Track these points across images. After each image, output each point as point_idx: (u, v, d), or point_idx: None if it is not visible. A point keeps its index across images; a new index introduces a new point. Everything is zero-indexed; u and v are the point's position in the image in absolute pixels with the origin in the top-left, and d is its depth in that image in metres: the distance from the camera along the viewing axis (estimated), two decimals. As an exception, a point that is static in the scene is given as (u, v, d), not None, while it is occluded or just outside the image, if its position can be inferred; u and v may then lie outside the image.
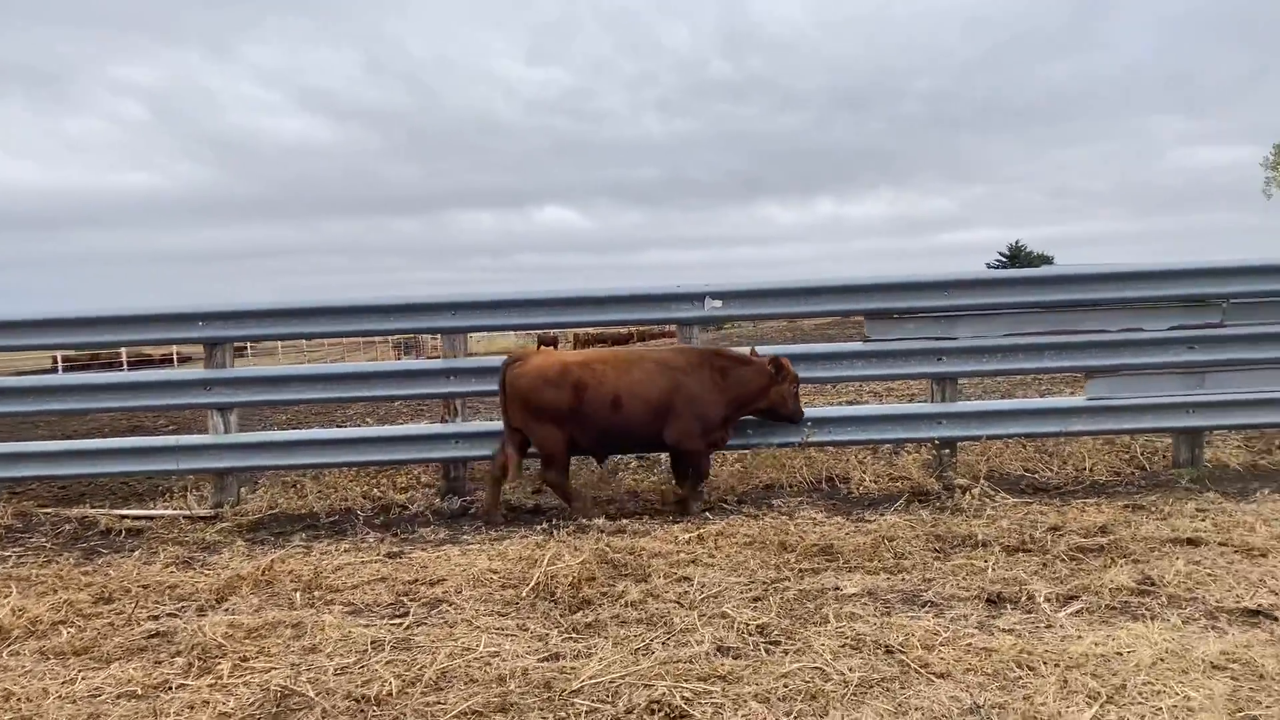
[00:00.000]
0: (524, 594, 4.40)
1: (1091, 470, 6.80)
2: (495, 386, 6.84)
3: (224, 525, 6.30)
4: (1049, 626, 3.76)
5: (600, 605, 4.20)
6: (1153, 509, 5.57)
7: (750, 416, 6.42)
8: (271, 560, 5.11)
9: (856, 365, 6.83)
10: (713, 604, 4.15)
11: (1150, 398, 6.67)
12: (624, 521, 5.83)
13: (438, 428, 6.87)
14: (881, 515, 5.66)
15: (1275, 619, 3.72)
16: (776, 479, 6.83)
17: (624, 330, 38.53)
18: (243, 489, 7.05)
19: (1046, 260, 54.96)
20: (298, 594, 4.59)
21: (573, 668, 3.49)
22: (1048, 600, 4.04)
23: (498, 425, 7.14)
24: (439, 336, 7.19)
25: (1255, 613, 3.80)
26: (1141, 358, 6.68)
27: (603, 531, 5.51)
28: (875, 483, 6.63)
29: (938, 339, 6.75)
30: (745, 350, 6.41)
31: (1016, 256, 58.52)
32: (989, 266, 61.75)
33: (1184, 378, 6.71)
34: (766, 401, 6.24)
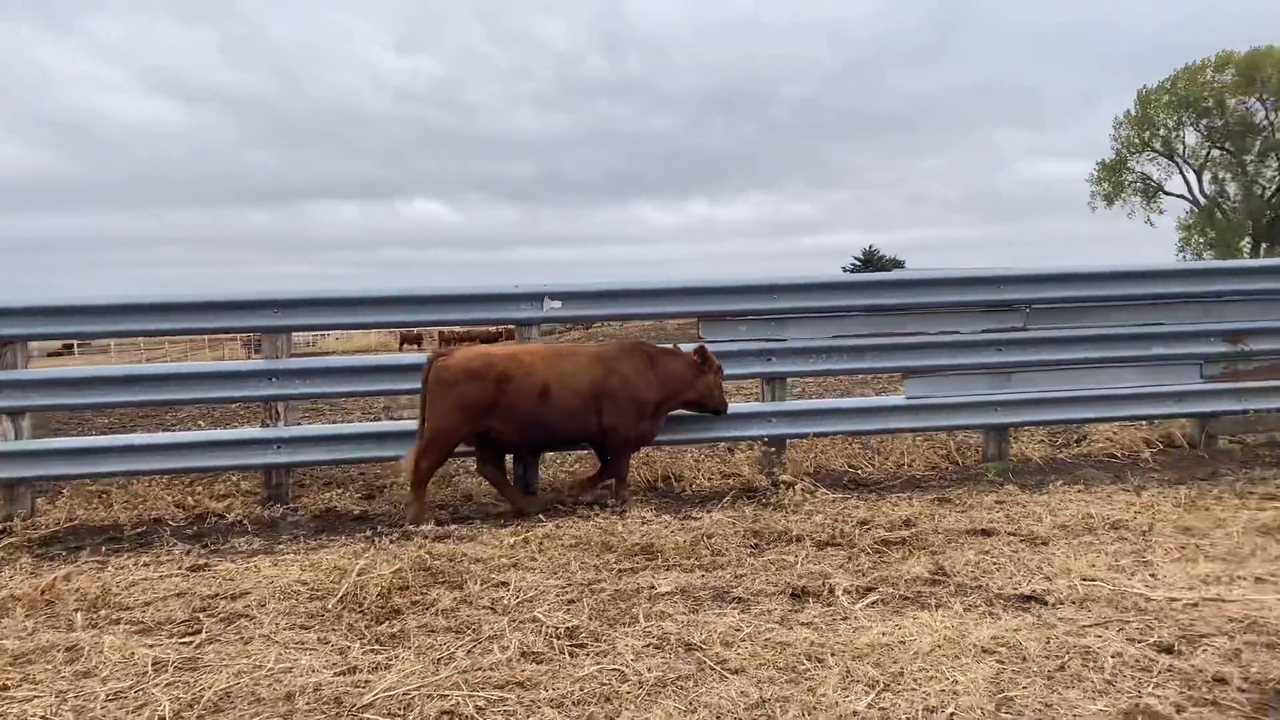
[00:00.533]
0: (330, 606, 4.23)
1: (910, 465, 7.17)
2: (321, 389, 6.58)
3: (11, 540, 5.77)
4: (845, 619, 3.92)
5: (409, 615, 4.08)
6: (957, 502, 5.92)
7: (680, 411, 6.51)
8: (55, 578, 4.70)
9: (692, 366, 6.93)
10: (526, 609, 4.11)
11: (962, 396, 7.10)
12: (452, 527, 5.71)
13: (258, 432, 6.53)
14: (708, 513, 5.78)
15: (1045, 603, 4.01)
16: (614, 479, 6.86)
17: (493, 329, 37.94)
18: (39, 500, 6.49)
19: (898, 264, 57.92)
20: (80, 614, 4.24)
21: (368, 681, 3.37)
22: (847, 593, 4.22)
23: (324, 429, 6.88)
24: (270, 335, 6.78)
25: (1029, 598, 4.08)
26: (954, 359, 7.10)
27: (426, 537, 5.37)
28: (709, 481, 6.77)
29: (768, 340, 6.96)
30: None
31: (871, 260, 61.32)
32: (845, 270, 64.57)
33: (992, 378, 7.18)
34: (694, 393, 6.33)
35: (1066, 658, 3.38)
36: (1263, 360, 7.33)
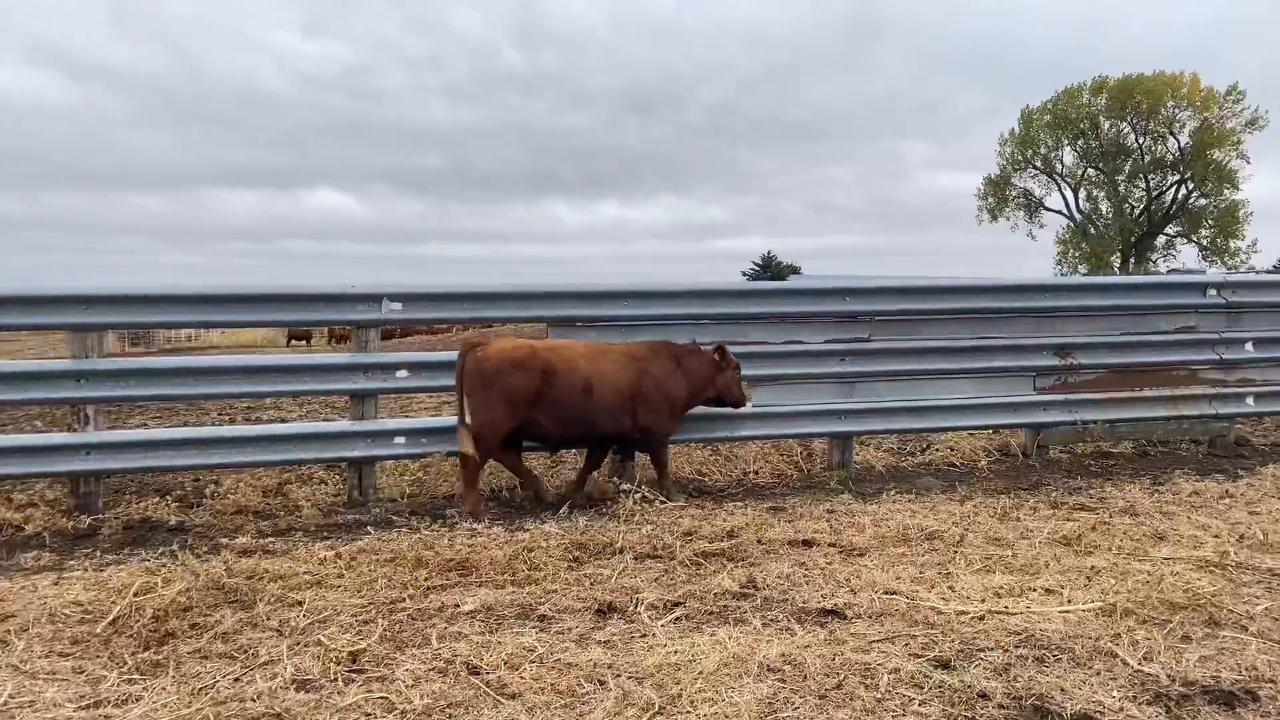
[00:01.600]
0: (100, 630, 3.92)
1: (757, 473, 7.23)
2: (136, 391, 6.18)
3: None
4: (643, 636, 3.85)
5: (184, 639, 3.81)
6: (790, 511, 5.97)
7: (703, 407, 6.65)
8: None
9: (539, 372, 6.80)
10: (314, 631, 3.89)
11: (808, 405, 7.19)
12: (271, 540, 5.43)
13: (64, 437, 6.06)
14: (541, 524, 5.65)
15: (844, 618, 4.04)
16: (453, 489, 6.67)
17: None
18: None
19: (795, 270, 59.15)
20: None
21: (109, 716, 3.11)
22: (654, 608, 4.16)
23: (140, 434, 6.48)
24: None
25: (830, 612, 4.10)
26: (801, 368, 7.18)
27: (234, 551, 5.07)
28: (556, 490, 6.65)
29: (618, 347, 6.88)
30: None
31: (768, 266, 62.58)
32: (744, 274, 65.68)
33: (837, 387, 7.30)
34: (714, 389, 6.50)
35: (845, 675, 3.39)
36: (1090, 373, 7.69)
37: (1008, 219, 62.65)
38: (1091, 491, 6.35)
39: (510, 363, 5.90)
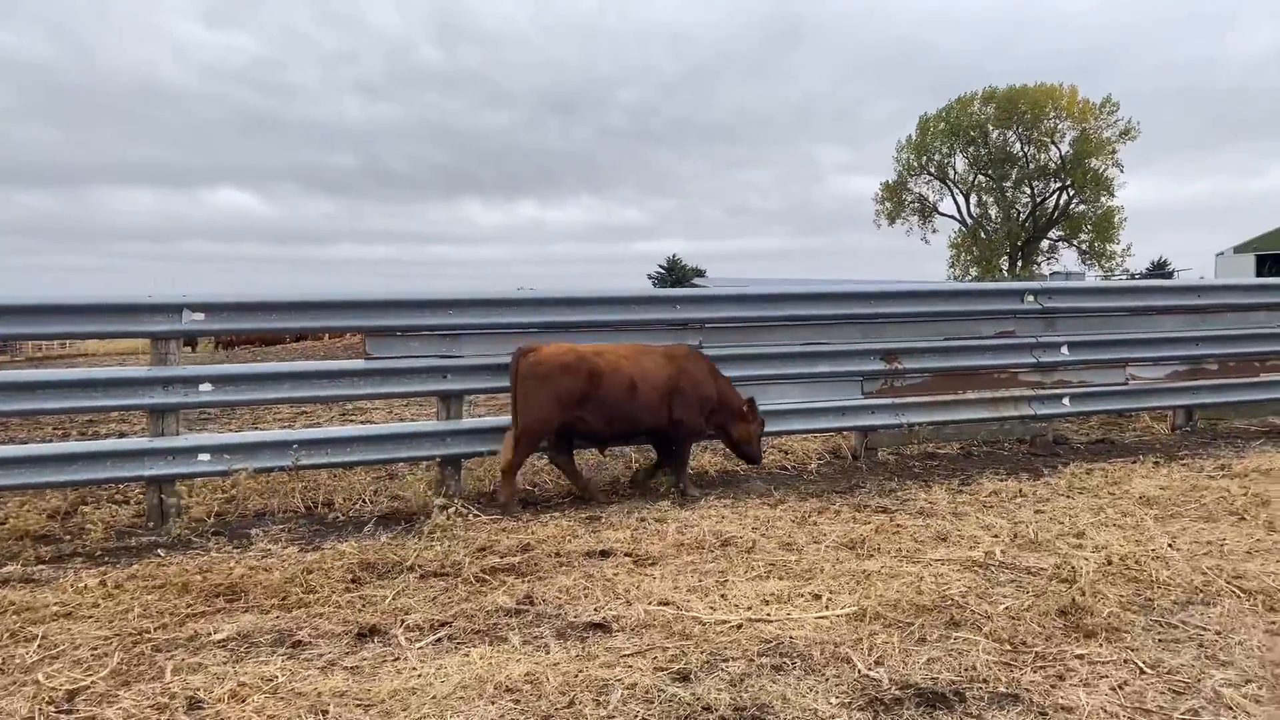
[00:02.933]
0: None
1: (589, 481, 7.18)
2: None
3: None
4: (395, 660, 3.74)
5: (-116, 683, 3.53)
6: (605, 520, 5.95)
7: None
8: None
9: (359, 384, 6.63)
10: (40, 667, 3.66)
11: (639, 413, 7.18)
12: (41, 568, 5.11)
13: None
14: (339, 543, 5.48)
15: (609, 631, 4.02)
16: (267, 506, 6.44)
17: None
18: None
19: (700, 273, 59.90)
20: None
21: None
22: (418, 629, 4.06)
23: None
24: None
25: (597, 626, 4.07)
26: (631, 376, 7.17)
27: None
28: (370, 506, 6.49)
29: (443, 357, 6.76)
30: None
31: (673, 269, 63.21)
32: (650, 277, 66.13)
33: (668, 394, 7.31)
34: (735, 431, 6.91)
35: (580, 693, 3.35)
36: (915, 377, 7.93)
37: (904, 223, 64.79)
38: (900, 493, 6.53)
39: (560, 366, 6.31)
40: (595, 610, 4.25)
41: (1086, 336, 8.44)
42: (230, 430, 8.25)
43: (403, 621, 4.13)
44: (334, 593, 4.55)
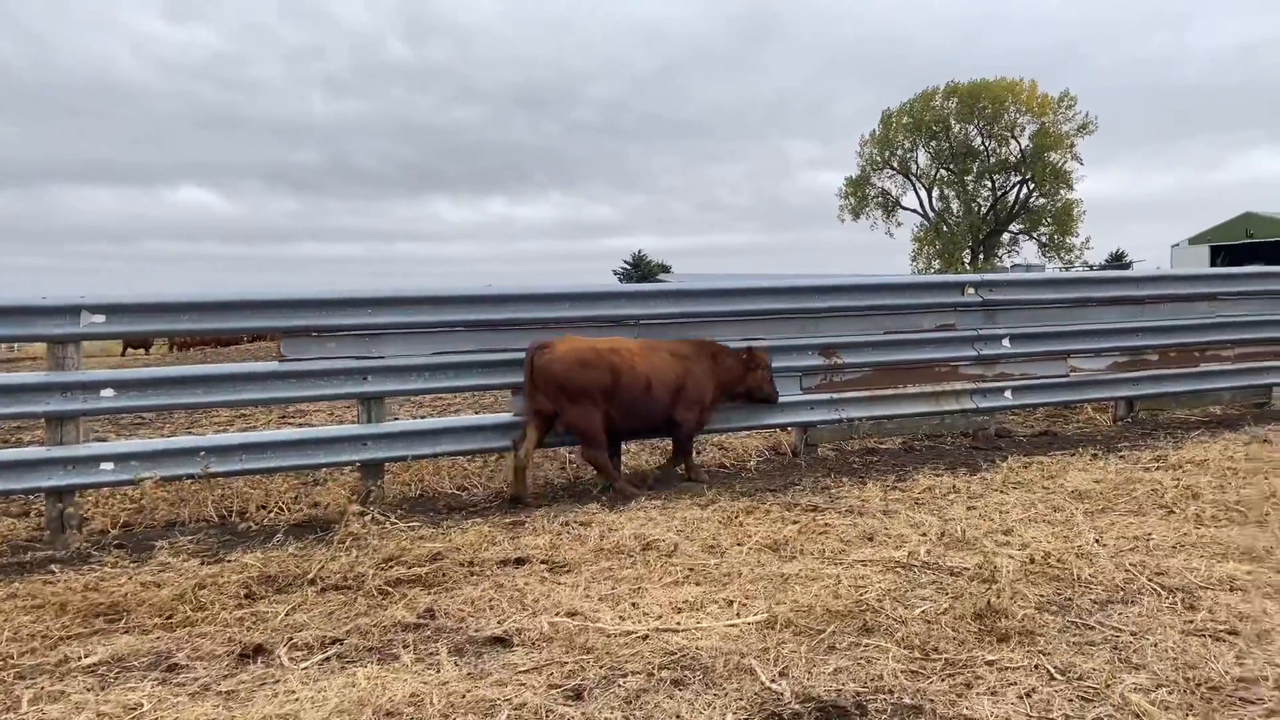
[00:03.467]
0: None
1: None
2: None
3: None
4: (275, 682, 3.51)
5: None
6: (529, 525, 5.74)
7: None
8: None
9: (273, 387, 6.35)
10: (-118, 701, 3.38)
11: (570, 413, 6.98)
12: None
13: None
14: (244, 555, 5.21)
15: (509, 645, 3.81)
16: (178, 516, 6.16)
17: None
18: None
19: (665, 269, 59.76)
20: None
21: None
22: (306, 648, 3.82)
23: None
24: None
25: (497, 640, 3.86)
26: (562, 375, 6.96)
27: None
28: (285, 514, 6.22)
29: (363, 358, 6.51)
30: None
31: (639, 265, 62.99)
32: (616, 273, 65.88)
33: (601, 393, 7.12)
34: (744, 387, 7.05)
35: (464, 715, 3.15)
36: (855, 371, 7.81)
37: (868, 218, 65.13)
38: (834, 490, 6.38)
39: (579, 362, 6.40)
40: (499, 623, 4.04)
41: (1028, 329, 8.37)
42: (138, 439, 7.91)
43: (291, 640, 3.89)
44: (224, 609, 4.29)
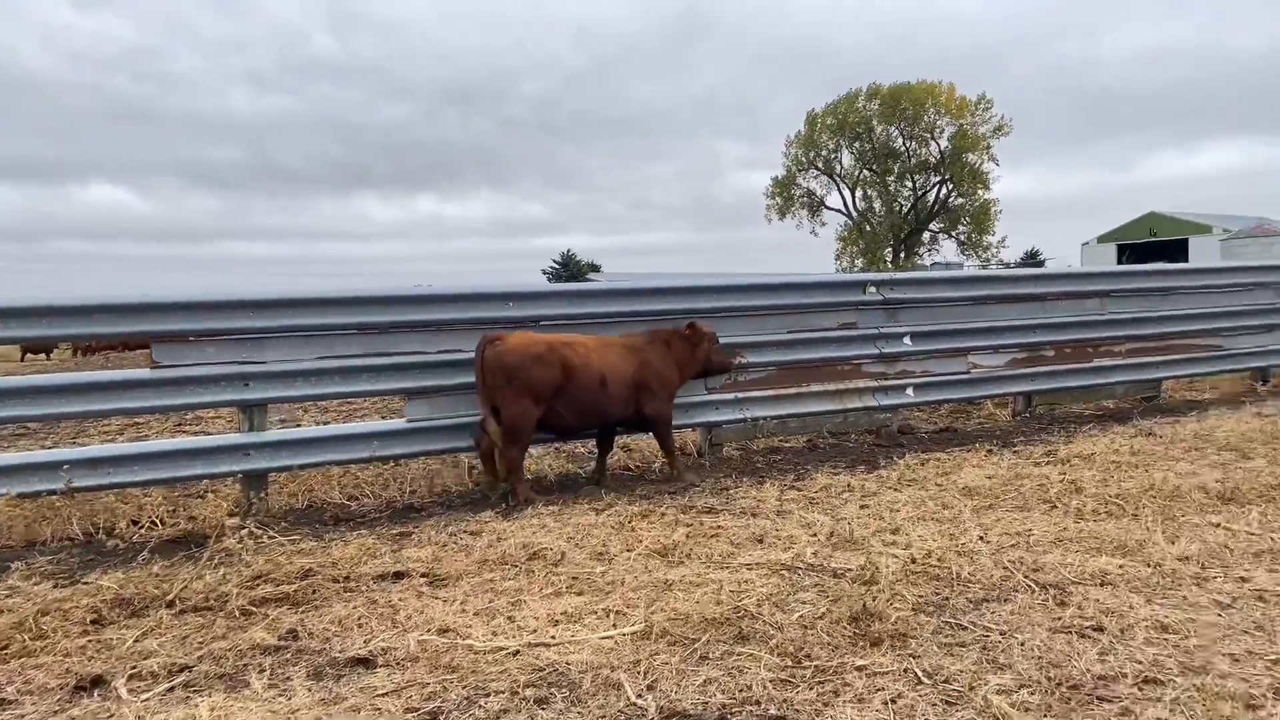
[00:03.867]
0: None
1: (414, 492, 6.75)
2: None
3: None
4: (109, 717, 3.26)
5: None
6: (416, 536, 5.53)
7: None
8: None
9: (145, 396, 6.01)
10: None
11: (467, 417, 6.78)
12: None
13: None
14: (103, 576, 4.87)
15: (372, 667, 3.62)
16: (39, 535, 5.76)
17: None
18: None
19: (595, 268, 59.60)
20: None
21: None
22: (150, 677, 3.57)
23: None
24: None
25: (360, 661, 3.67)
26: (458, 378, 6.76)
27: None
28: (159, 529, 5.87)
29: (244, 363, 6.20)
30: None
31: (568, 264, 62.66)
32: (545, 273, 65.47)
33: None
34: (698, 364, 6.99)
35: (307, 746, 2.96)
36: (759, 371, 7.79)
37: (794, 217, 66.08)
38: (732, 491, 6.33)
39: (531, 357, 6.20)
40: (365, 643, 3.85)
41: (929, 327, 8.49)
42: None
43: (134, 669, 3.63)
44: (67, 637, 3.99)
